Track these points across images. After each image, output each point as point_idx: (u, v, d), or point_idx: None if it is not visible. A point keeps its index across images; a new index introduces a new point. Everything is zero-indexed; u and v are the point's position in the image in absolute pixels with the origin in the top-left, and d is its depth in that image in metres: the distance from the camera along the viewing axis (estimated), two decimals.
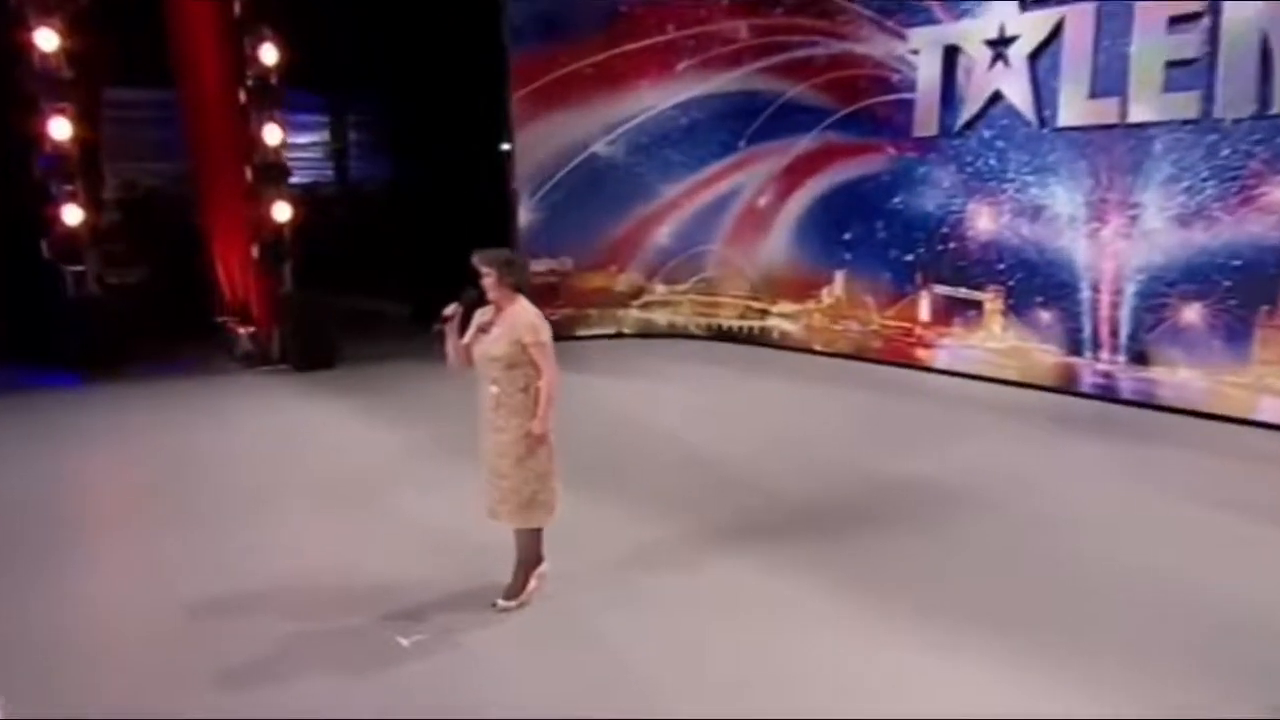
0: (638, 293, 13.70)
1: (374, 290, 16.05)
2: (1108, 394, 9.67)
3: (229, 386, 11.08)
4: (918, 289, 11.32)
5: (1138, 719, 4.23)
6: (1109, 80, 9.29)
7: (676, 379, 11.49)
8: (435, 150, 14.13)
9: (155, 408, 10.10)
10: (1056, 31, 9.66)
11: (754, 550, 6.06)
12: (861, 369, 11.65)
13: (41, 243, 11.34)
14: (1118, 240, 9.45)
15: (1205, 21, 8.56)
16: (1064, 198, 9.85)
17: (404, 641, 4.89)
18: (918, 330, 11.39)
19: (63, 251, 11.40)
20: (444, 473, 7.54)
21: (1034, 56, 9.89)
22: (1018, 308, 10.38)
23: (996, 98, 10.29)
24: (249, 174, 11.72)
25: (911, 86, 11.06)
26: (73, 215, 11.30)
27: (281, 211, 11.71)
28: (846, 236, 12.01)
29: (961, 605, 5.30)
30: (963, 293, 10.87)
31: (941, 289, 11.09)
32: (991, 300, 10.60)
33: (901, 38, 11.09)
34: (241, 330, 12.27)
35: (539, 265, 12.50)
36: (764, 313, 13.11)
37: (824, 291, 12.37)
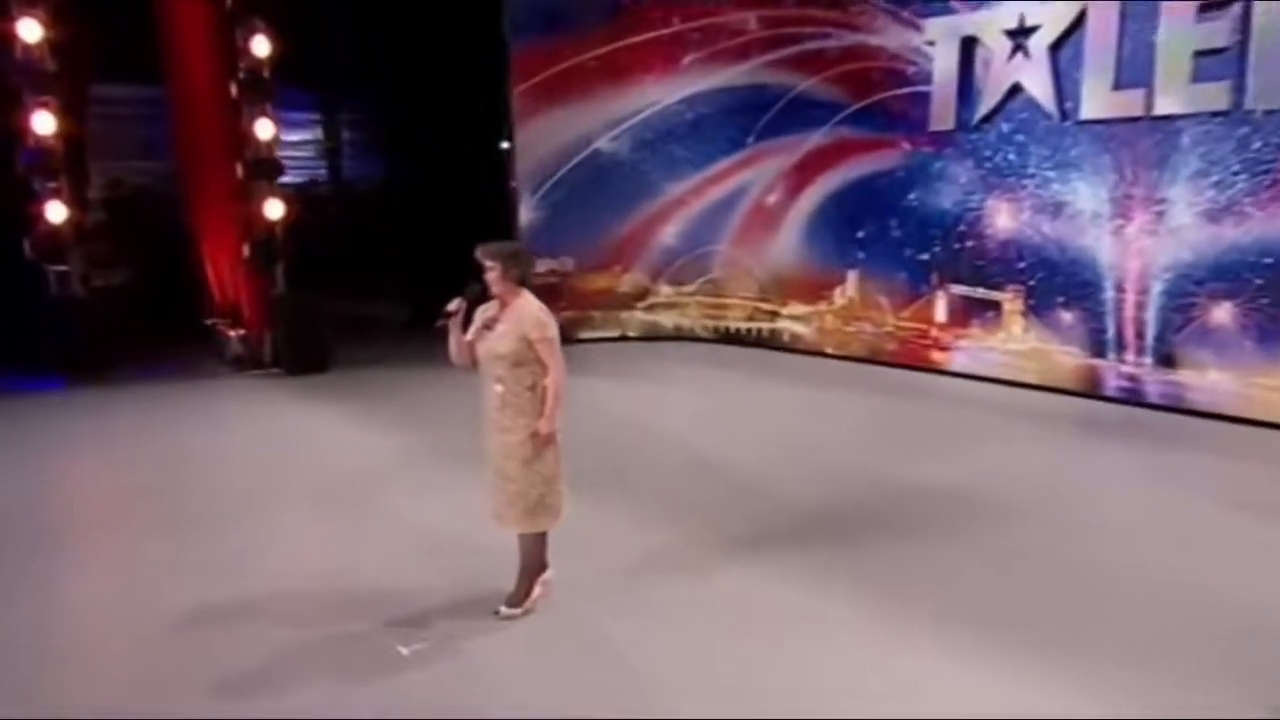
0: (642, 294, 13.64)
1: (369, 293, 16.02)
2: (1133, 398, 9.59)
3: (219, 390, 11.04)
4: (934, 289, 11.24)
5: (1138, 719, 4.26)
6: (1134, 71, 9.21)
7: (683, 383, 11.43)
8: (432, 148, 14.08)
9: (142, 411, 10.05)
10: (1079, 21, 9.58)
11: (765, 557, 6.02)
12: (875, 372, 11.60)
13: (24, 241, 11.29)
14: (1143, 237, 9.37)
15: (1236, 8, 8.49)
16: (1087, 193, 9.77)
17: (404, 650, 4.85)
18: (934, 332, 11.31)
19: (46, 251, 11.37)
20: (442, 477, 7.58)
21: (1055, 47, 9.82)
22: (1038, 308, 10.30)
23: (1016, 90, 10.22)
24: (240, 171, 11.71)
25: (927, 79, 10.98)
26: (56, 213, 11.27)
27: (274, 209, 11.69)
28: (859, 235, 11.94)
29: (981, 612, 5.27)
30: (981, 293, 10.79)
31: (959, 289, 11.01)
32: (1011, 300, 10.52)
33: (917, 29, 11.03)
34: (232, 333, 12.24)
35: (540, 266, 12.38)
36: (774, 315, 13.04)
37: (836, 292, 12.30)
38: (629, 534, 6.41)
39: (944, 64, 10.81)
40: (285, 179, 12.25)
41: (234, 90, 11.53)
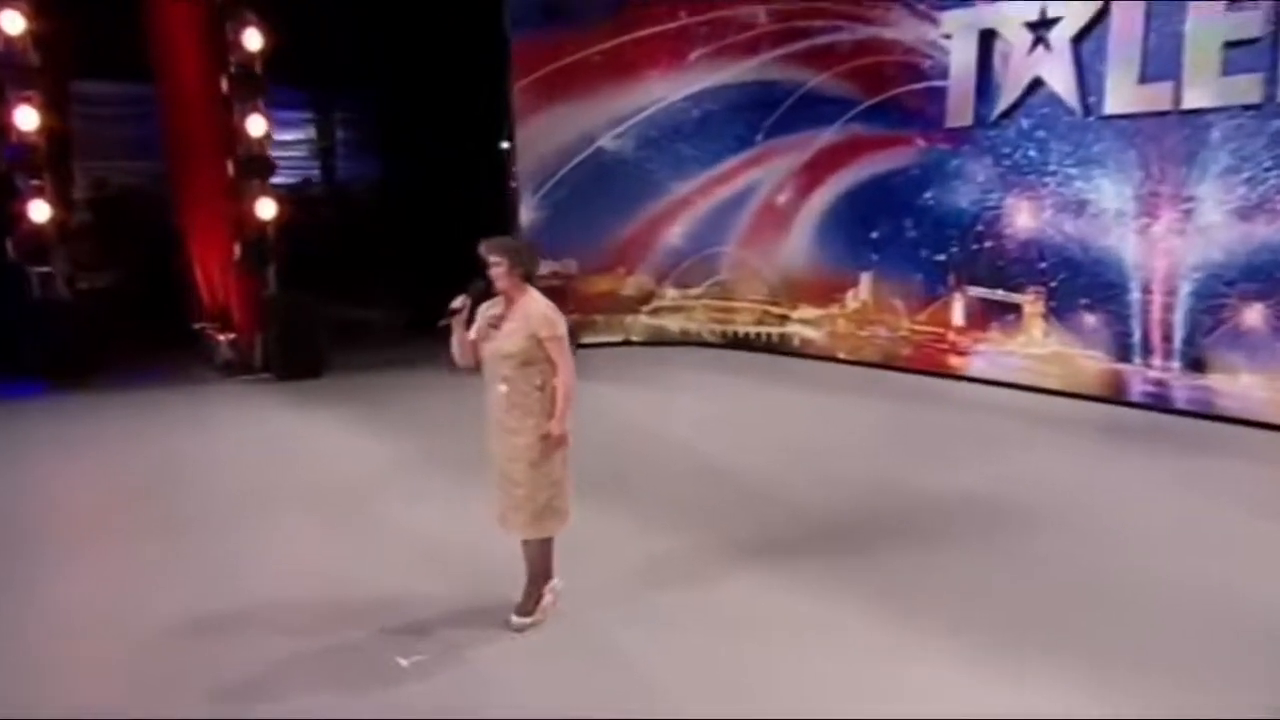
0: (647, 297, 13.58)
1: (363, 296, 15.94)
2: (1160, 403, 9.52)
3: (208, 396, 10.99)
4: (951, 291, 11.18)
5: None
6: (1161, 63, 9.15)
7: (690, 388, 11.37)
8: (429, 147, 14.02)
9: (129, 417, 9.99)
10: (1103, 12, 9.55)
11: (774, 564, 6.00)
12: (889, 378, 11.54)
13: (5, 242, 11.21)
14: (1171, 236, 9.30)
15: None
16: (1111, 191, 9.70)
17: (403, 662, 4.79)
18: (951, 336, 11.25)
19: (29, 251, 11.28)
20: (440, 484, 7.56)
21: (1078, 39, 9.77)
22: (1060, 311, 10.23)
23: (1037, 85, 10.17)
24: (230, 169, 11.64)
25: (944, 73, 10.94)
26: (40, 212, 11.18)
27: (265, 209, 11.63)
28: (873, 236, 11.89)
29: (999, 621, 5.24)
30: (1000, 295, 10.73)
31: (977, 291, 10.95)
32: (1031, 303, 10.46)
33: (933, 21, 10.99)
34: (221, 337, 12.17)
35: (541, 268, 12.31)
36: (783, 318, 12.98)
37: (849, 295, 12.25)
38: (635, 541, 6.37)
39: (961, 58, 10.75)
40: (277, 179, 12.18)
41: (224, 85, 11.45)
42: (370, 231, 16.96)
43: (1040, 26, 10.04)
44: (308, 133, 19.59)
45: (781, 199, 12.79)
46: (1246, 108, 8.66)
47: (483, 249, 4.94)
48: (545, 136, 13.09)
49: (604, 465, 7.28)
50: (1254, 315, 8.83)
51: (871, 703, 4.45)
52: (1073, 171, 9.99)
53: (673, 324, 13.61)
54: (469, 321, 5.03)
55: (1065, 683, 4.57)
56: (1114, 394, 9.85)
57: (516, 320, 4.89)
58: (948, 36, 10.85)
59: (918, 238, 11.43)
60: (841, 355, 12.35)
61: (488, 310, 5.01)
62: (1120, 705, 4.38)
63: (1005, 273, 10.65)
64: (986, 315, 10.88)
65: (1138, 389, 9.69)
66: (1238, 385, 9.00)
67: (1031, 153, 10.31)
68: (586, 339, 12.86)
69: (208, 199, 12.29)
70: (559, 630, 5.10)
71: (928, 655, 4.86)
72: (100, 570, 6.22)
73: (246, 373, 11.72)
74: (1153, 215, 9.42)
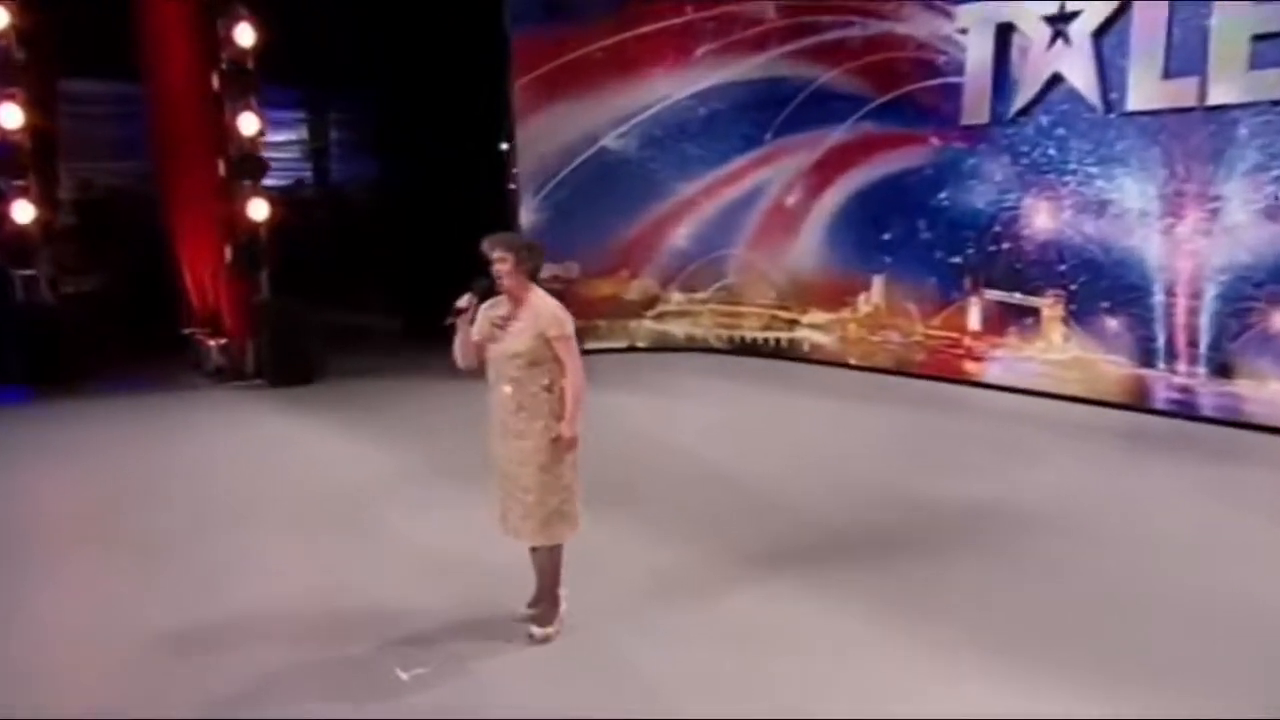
0: (651, 302, 13.54)
1: (356, 301, 15.96)
2: (1185, 410, 9.47)
3: (198, 403, 10.97)
4: (966, 295, 11.13)
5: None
6: (1186, 58, 9.10)
7: (696, 395, 11.33)
8: (426, 147, 13.96)
9: (116, 424, 10.00)
10: (1125, 5, 9.49)
11: (784, 575, 6.01)
12: (903, 384, 11.49)
13: None
14: (1196, 237, 9.25)
15: None
16: (1134, 190, 9.66)
17: (403, 675, 4.77)
18: (967, 341, 11.20)
19: (12, 253, 11.26)
20: (437, 492, 7.62)
21: (1099, 33, 9.71)
22: (1081, 315, 10.18)
23: (1056, 80, 10.11)
24: (222, 168, 11.62)
25: (959, 69, 10.89)
26: (24, 213, 11.16)
27: (258, 210, 11.61)
28: (886, 237, 11.84)
29: (1016, 633, 5.22)
30: (1018, 298, 10.67)
31: (994, 294, 10.90)
32: (1051, 306, 10.41)
33: (948, 16, 10.94)
34: (212, 342, 12.14)
35: (542, 272, 12.27)
36: (792, 323, 12.92)
37: (860, 299, 12.20)
38: (643, 551, 6.37)
39: (977, 53, 10.70)
40: (268, 181, 12.17)
41: (215, 82, 11.42)
42: (365, 234, 16.97)
43: (1059, 20, 9.98)
44: (300, 133, 19.61)
45: (790, 200, 12.73)
46: (1276, 103, 8.61)
47: (486, 245, 4.91)
48: (546, 136, 13.03)
49: (610, 474, 7.20)
50: None
51: (884, 714, 4.44)
52: (1093, 170, 9.93)
53: (678, 329, 13.56)
54: (472, 321, 5.01)
55: (1085, 695, 4.56)
56: (1137, 401, 9.78)
57: (524, 319, 4.86)
58: (963, 31, 10.80)
59: (932, 239, 11.37)
60: (853, 361, 12.30)
61: (490, 309, 4.97)
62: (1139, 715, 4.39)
63: (1023, 275, 10.59)
64: (1004, 319, 10.82)
65: (1162, 395, 9.63)
66: (1266, 391, 8.94)
67: (1050, 151, 10.25)
68: (589, 345, 12.73)
69: (198, 200, 12.23)
70: (566, 641, 5.10)
71: (942, 666, 4.85)
72: (87, 580, 6.18)
73: (238, 379, 11.70)
74: (1177, 215, 9.36)
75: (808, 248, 12.67)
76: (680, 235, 13.35)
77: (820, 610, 5.50)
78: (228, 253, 11.69)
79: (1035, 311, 10.54)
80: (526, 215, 13.07)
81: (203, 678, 4.77)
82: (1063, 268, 10.26)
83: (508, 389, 4.86)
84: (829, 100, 12.13)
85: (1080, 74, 9.89)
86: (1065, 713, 4.44)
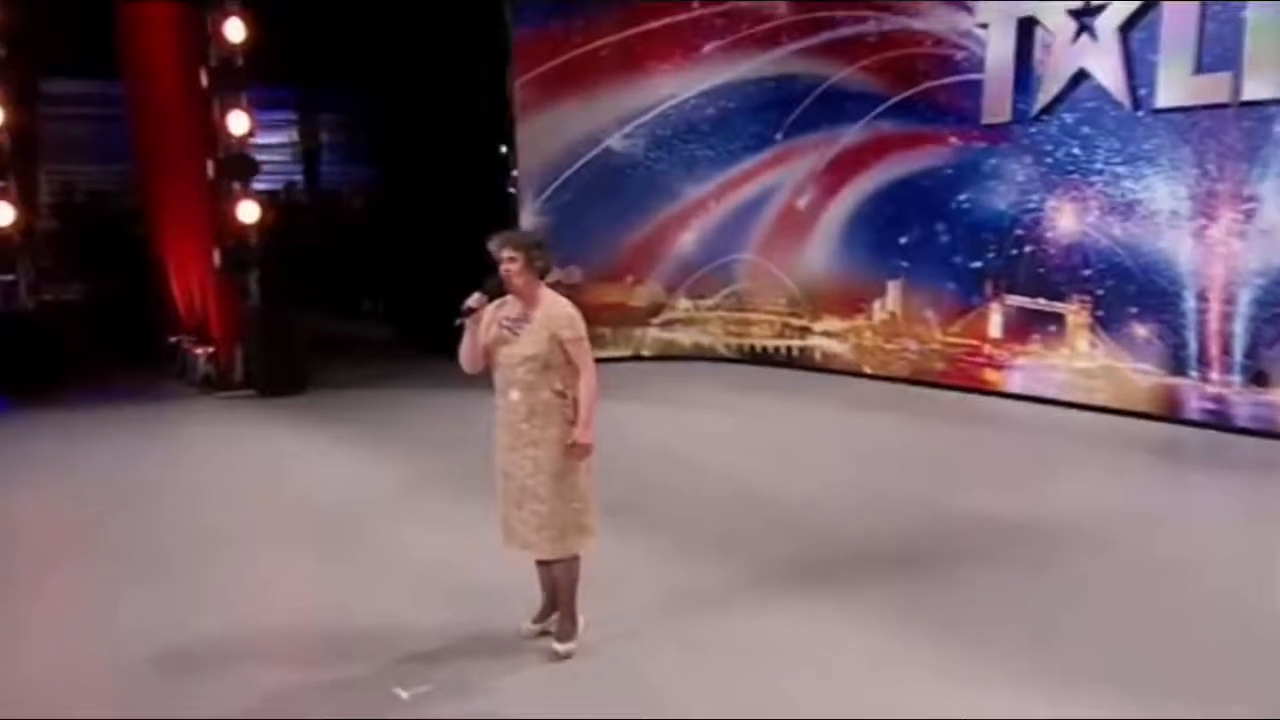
0: (658, 309, 13.52)
1: (349, 308, 15.94)
2: (1218, 421, 9.39)
3: (185, 413, 10.98)
4: (987, 301, 11.08)
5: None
6: (1219, 52, 9.05)
7: (706, 406, 11.28)
8: (422, 148, 13.94)
9: (99, 436, 9.96)
10: None
11: (812, 593, 5.91)
12: (920, 395, 11.46)
13: None
14: (1230, 239, 9.19)
15: None
16: (1164, 191, 9.60)
17: (403, 694, 4.70)
18: (988, 349, 11.14)
19: None
20: (435, 506, 7.59)
21: (1126, 28, 9.67)
22: (1108, 321, 10.12)
23: (1081, 77, 10.08)
24: (210, 169, 11.59)
25: (979, 66, 10.86)
26: (2, 215, 11.10)
27: (247, 212, 11.58)
28: (902, 241, 11.80)
29: (1047, 651, 5.15)
30: (1042, 304, 10.63)
31: (1016, 300, 10.85)
32: (1076, 312, 10.35)
33: (967, 10, 10.92)
34: (199, 351, 12.12)
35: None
36: (805, 331, 12.89)
37: (876, 305, 12.16)
38: (659, 568, 6.31)
39: (998, 49, 10.67)
40: (257, 184, 12.16)
41: (204, 79, 11.38)
42: (358, 239, 16.96)
43: (1085, 14, 9.94)
44: (290, 134, 19.62)
45: (803, 202, 12.71)
46: None
47: (494, 244, 4.86)
48: (549, 136, 13.02)
49: (619, 488, 7.14)
50: None
51: None
52: (1121, 170, 9.88)
53: (685, 337, 13.52)
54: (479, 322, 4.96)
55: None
56: (1168, 411, 9.72)
57: (537, 321, 4.81)
58: (983, 26, 10.77)
59: (951, 243, 11.34)
60: (868, 370, 12.26)
61: (497, 311, 4.91)
62: None
63: (1047, 280, 10.53)
64: (1027, 326, 10.76)
65: (1194, 405, 9.56)
66: None
67: (1075, 150, 10.20)
68: (594, 353, 12.71)
69: (185, 203, 12.23)
70: (579, 662, 5.00)
71: (969, 685, 4.79)
72: (73, 599, 6.13)
73: (226, 389, 11.67)
74: (1210, 216, 9.30)
75: (820, 252, 12.63)
76: (687, 240, 13.34)
77: (843, 626, 5.46)
78: (216, 257, 11.65)
79: (1060, 318, 10.48)
80: (527, 219, 13.02)
81: (195, 699, 4.71)
82: (1088, 272, 10.21)
83: (516, 395, 4.81)
84: (842, 99, 12.11)
85: (1107, 70, 9.84)
86: None
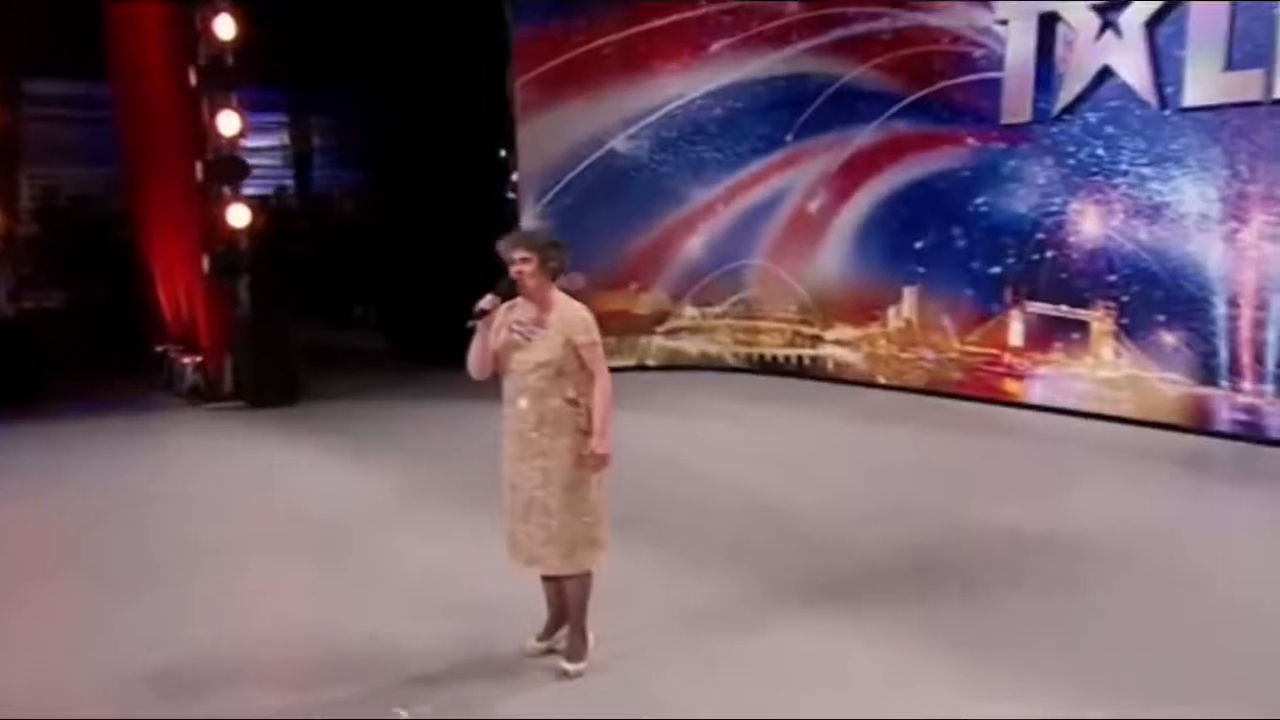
0: (663, 317, 13.49)
1: (342, 317, 15.92)
2: (1250, 432, 9.33)
3: (172, 424, 11.03)
4: (1007, 308, 11.03)
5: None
6: (1250, 48, 9.01)
7: (714, 417, 11.27)
8: (419, 151, 13.90)
9: (83, 449, 9.98)
10: None
11: (828, 610, 5.91)
12: (937, 405, 11.42)
13: None
14: (1262, 243, 9.15)
15: None
16: (1192, 193, 9.56)
17: (402, 713, 4.67)
18: (1008, 358, 11.09)
19: None
20: (434, 519, 7.61)
21: (1153, 23, 9.64)
22: (1134, 328, 10.07)
23: (1105, 74, 10.03)
24: (199, 172, 11.54)
25: (998, 64, 10.82)
26: None
27: (237, 216, 11.53)
28: (918, 246, 11.76)
29: (1071, 670, 5.12)
30: (1064, 311, 10.58)
31: (1037, 307, 10.80)
32: (1100, 320, 10.30)
33: (986, 6, 10.89)
34: (187, 360, 12.10)
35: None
36: (816, 340, 12.84)
37: (890, 313, 12.11)
38: (667, 582, 6.32)
39: (1018, 46, 10.63)
40: (246, 189, 12.15)
41: (193, 78, 11.34)
42: (352, 246, 16.93)
43: (1109, 9, 9.90)
44: (281, 137, 19.60)
45: (814, 206, 12.67)
46: None
47: (505, 245, 4.84)
48: (550, 138, 13.01)
49: (626, 501, 7.13)
50: None
51: None
52: (1147, 171, 9.84)
53: (692, 346, 13.49)
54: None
55: None
56: (1196, 422, 9.67)
57: (552, 325, 4.79)
58: (1003, 22, 10.73)
59: (969, 248, 11.29)
60: (882, 380, 12.21)
61: (507, 314, 4.88)
62: None
63: (1070, 286, 10.49)
64: (1048, 334, 10.72)
65: (1225, 416, 9.51)
66: None
67: (1099, 151, 10.16)
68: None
69: (172, 207, 12.24)
70: (588, 680, 4.98)
71: (990, 705, 4.76)
72: (59, 616, 6.12)
73: (215, 400, 11.65)
74: (1241, 219, 9.25)
75: (833, 258, 12.59)
76: (694, 245, 13.31)
77: (858, 641, 5.46)
78: (204, 263, 11.59)
79: (1083, 325, 10.43)
80: (528, 223, 12.94)
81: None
82: (1113, 278, 10.16)
83: (524, 403, 4.78)
84: (856, 99, 12.07)
85: (1132, 67, 9.79)
86: None
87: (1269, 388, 9.22)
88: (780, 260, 13.02)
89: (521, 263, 4.74)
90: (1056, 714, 4.62)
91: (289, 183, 19.86)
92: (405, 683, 4.96)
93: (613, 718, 4.66)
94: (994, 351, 11.18)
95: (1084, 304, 10.40)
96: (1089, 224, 10.32)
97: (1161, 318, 9.85)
